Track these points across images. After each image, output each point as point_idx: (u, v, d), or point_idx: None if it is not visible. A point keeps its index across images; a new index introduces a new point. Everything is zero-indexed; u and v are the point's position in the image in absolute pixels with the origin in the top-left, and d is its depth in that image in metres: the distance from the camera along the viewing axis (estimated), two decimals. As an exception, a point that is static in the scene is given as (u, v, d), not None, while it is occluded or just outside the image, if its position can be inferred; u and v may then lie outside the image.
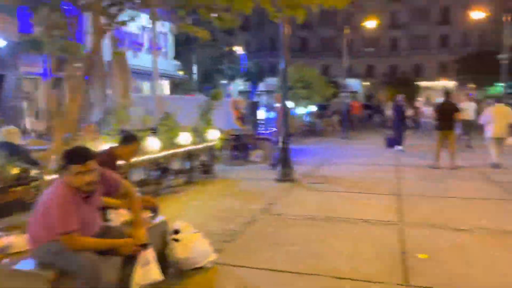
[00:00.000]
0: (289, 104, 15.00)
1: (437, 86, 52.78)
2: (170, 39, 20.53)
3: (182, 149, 7.45)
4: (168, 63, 20.27)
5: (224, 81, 55.10)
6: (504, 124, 9.16)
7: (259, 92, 54.66)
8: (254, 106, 12.20)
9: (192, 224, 3.96)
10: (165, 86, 18.99)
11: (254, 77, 52.28)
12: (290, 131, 9.13)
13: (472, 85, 49.01)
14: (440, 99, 19.68)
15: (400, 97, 12.89)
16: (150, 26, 11.78)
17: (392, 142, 12.75)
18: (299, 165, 10.15)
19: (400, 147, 12.23)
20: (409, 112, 17.13)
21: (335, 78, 46.72)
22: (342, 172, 9.18)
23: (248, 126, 11.94)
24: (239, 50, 53.96)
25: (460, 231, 4.85)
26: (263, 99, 46.22)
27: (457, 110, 9.17)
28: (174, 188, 7.33)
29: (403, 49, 55.05)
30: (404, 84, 48.89)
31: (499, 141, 9.20)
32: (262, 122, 12.88)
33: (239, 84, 54.82)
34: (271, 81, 36.81)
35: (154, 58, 10.05)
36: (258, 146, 11.53)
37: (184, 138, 7.40)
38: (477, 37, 52.07)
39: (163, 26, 17.61)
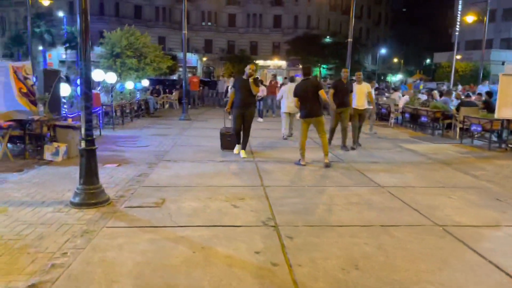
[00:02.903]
0: (111, 76, 11.28)
1: (272, 65, 54.44)
2: None
3: None
4: None
5: (42, 48, 46.01)
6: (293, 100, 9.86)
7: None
8: (53, 77, 8.15)
9: None
10: None
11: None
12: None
13: (300, 66, 52.15)
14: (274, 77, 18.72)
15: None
16: None
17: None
18: (122, 166, 6.90)
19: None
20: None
21: (172, 51, 43.27)
22: (184, 178, 6.26)
23: (42, 106, 7.90)
24: (59, 12, 45.61)
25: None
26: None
27: (320, 88, 7.15)
28: None
29: (240, 26, 54.72)
30: (242, 61, 48.74)
31: (291, 115, 10.49)
32: (67, 101, 8.92)
33: (62, 52, 46.61)
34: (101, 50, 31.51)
35: None
36: (57, 137, 7.69)
37: None
38: (305, 21, 55.14)
39: None
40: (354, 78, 9.84)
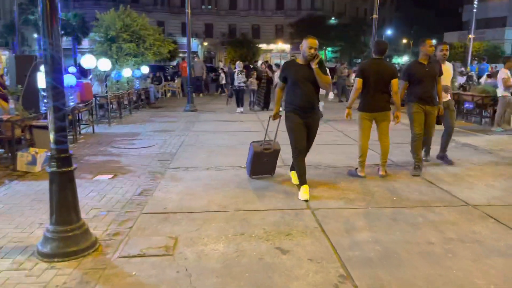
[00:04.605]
0: (105, 63, 9.60)
1: (275, 49, 52.40)
2: None
3: None
4: None
5: (37, 35, 44.26)
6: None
7: (82, 50, 45.65)
8: (27, 64, 6.48)
9: None
10: None
11: (76, 32, 43.34)
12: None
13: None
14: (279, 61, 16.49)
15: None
16: None
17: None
18: (118, 179, 5.29)
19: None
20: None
21: (172, 36, 41.36)
22: (200, 196, 4.65)
23: (14, 103, 6.25)
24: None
25: None
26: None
27: (396, 75, 5.42)
28: None
29: (241, 9, 52.57)
30: (244, 45, 46.83)
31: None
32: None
33: (57, 40, 44.85)
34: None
35: None
36: (34, 141, 6.08)
37: None
38: (309, 2, 52.95)
39: None
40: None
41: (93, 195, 4.75)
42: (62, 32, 42.73)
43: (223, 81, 20.14)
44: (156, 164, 6.23)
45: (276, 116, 4.95)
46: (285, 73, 4.80)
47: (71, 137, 7.87)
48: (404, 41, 57.53)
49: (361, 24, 50.96)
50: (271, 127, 5.30)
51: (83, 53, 45.94)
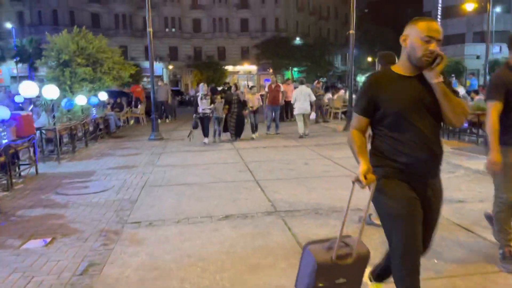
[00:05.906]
0: (51, 90, 8.13)
1: (242, 70, 51.82)
2: None
3: None
4: None
5: (-9, 63, 42.03)
6: (306, 102, 10.97)
7: (40, 77, 43.35)
8: None
9: None
10: None
11: (32, 58, 41.25)
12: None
13: (271, 70, 49.67)
14: (245, 84, 15.48)
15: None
16: None
17: None
18: (56, 245, 3.76)
19: None
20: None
21: (135, 60, 39.88)
22: (169, 274, 3.29)
23: None
24: (7, 23, 41.87)
25: None
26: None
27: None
28: None
29: (206, 31, 51.92)
30: (211, 68, 46.03)
31: (303, 116, 11.01)
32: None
33: (13, 67, 42.41)
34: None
35: None
36: None
37: None
38: (273, 23, 53.05)
39: None
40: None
41: (15, 279, 3.31)
42: (17, 58, 40.57)
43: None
44: (111, 217, 4.83)
45: (370, 178, 2.15)
46: (373, 96, 2.26)
47: (5, 182, 6.34)
48: (369, 59, 58.30)
49: (325, 44, 51.46)
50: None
51: (40, 81, 43.70)
